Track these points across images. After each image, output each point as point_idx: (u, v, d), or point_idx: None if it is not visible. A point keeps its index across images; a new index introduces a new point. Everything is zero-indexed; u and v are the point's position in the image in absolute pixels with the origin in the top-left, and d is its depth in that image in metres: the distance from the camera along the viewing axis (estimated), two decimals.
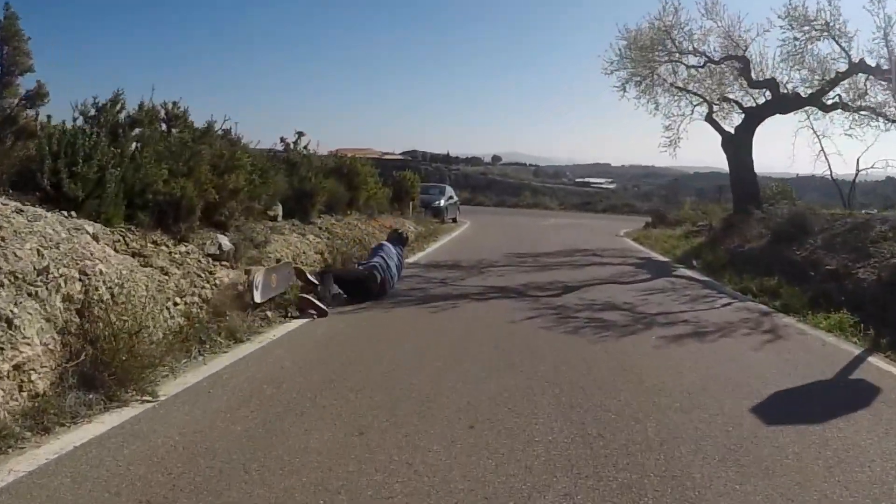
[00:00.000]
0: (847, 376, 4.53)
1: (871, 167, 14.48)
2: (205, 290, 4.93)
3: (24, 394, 3.11)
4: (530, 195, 39.61)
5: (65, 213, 4.41)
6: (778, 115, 14.00)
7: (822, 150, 13.88)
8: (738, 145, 14.01)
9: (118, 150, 4.87)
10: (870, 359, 4.93)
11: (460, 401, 3.52)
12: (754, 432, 3.23)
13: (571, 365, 4.36)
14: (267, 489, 2.47)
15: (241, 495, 2.41)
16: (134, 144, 5.35)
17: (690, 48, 14.12)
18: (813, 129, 13.81)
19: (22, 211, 3.93)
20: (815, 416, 3.55)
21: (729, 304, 7.27)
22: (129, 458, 2.70)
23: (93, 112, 5.39)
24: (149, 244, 4.85)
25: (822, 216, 10.26)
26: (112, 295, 3.88)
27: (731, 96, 14.56)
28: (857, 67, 12.32)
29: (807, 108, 13.58)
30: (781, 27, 12.71)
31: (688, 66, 14.55)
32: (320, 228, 8.87)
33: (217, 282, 5.12)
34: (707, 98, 14.57)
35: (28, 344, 3.21)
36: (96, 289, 3.83)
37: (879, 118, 12.94)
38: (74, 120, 5.22)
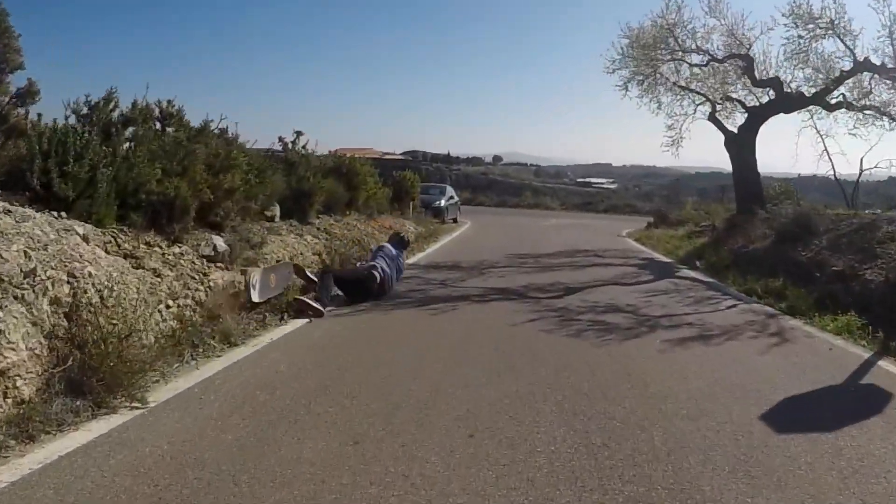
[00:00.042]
0: (857, 381, 4.41)
1: (875, 167, 14.36)
2: (198, 293, 4.83)
3: (9, 400, 3.01)
4: (531, 195, 39.50)
5: (55, 213, 4.30)
6: (780, 115, 13.89)
7: (826, 149, 13.77)
8: (741, 145, 13.89)
9: (110, 149, 4.76)
10: (880, 363, 4.81)
11: (460, 408, 3.40)
12: (765, 441, 3.12)
13: (574, 369, 4.25)
14: (256, 502, 2.36)
15: None
16: (127, 143, 5.24)
17: (693, 46, 14.01)
18: (816, 128, 13.71)
19: (10, 211, 3.83)
20: (826, 423, 3.44)
21: (734, 305, 7.15)
22: (114, 469, 2.60)
23: (85, 110, 5.28)
24: (141, 245, 4.74)
25: (827, 216, 10.14)
26: (101, 298, 3.77)
27: (734, 95, 14.44)
28: (862, 66, 12.19)
29: (810, 107, 13.46)
30: (785, 25, 12.61)
31: (691, 65, 14.45)
32: (318, 229, 8.77)
33: (211, 284, 5.01)
34: (710, 97, 14.45)
35: (13, 349, 3.11)
36: (85, 291, 3.73)
37: (884, 117, 12.80)
38: (66, 118, 5.12)
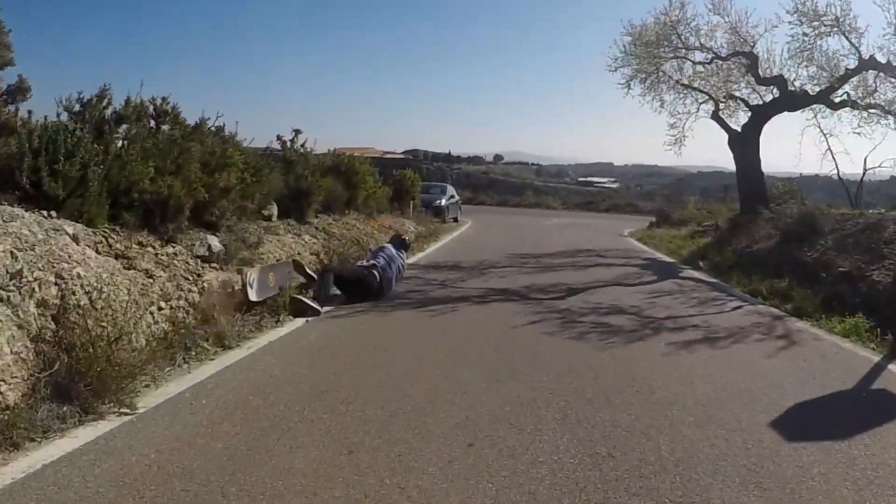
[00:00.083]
0: (868, 386, 4.29)
1: (879, 166, 14.23)
2: (192, 294, 4.71)
3: None
4: (532, 194, 39.39)
5: (44, 212, 4.21)
6: (784, 114, 13.76)
7: (829, 148, 13.64)
8: (744, 144, 13.77)
9: (102, 147, 4.65)
10: (890, 366, 4.69)
11: (459, 415, 3.29)
12: (776, 450, 3.00)
13: (577, 374, 4.13)
14: None
15: None
16: (120, 141, 5.14)
17: (697, 44, 13.88)
18: (820, 127, 13.57)
19: None
20: (838, 430, 3.32)
21: (739, 307, 7.03)
22: (99, 479, 2.50)
23: (77, 108, 5.18)
24: (134, 245, 4.63)
25: (832, 216, 10.01)
26: (90, 299, 3.67)
27: (737, 94, 14.31)
28: (867, 64, 12.05)
29: (814, 105, 13.32)
30: (790, 23, 12.47)
31: (694, 63, 14.32)
32: (317, 228, 8.66)
33: (205, 284, 4.89)
34: (713, 95, 14.33)
35: None
36: (73, 293, 3.62)
37: (889, 116, 12.67)
38: (58, 116, 5.01)
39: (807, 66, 12.80)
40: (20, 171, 4.27)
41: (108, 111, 5.39)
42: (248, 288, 5.35)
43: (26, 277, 3.42)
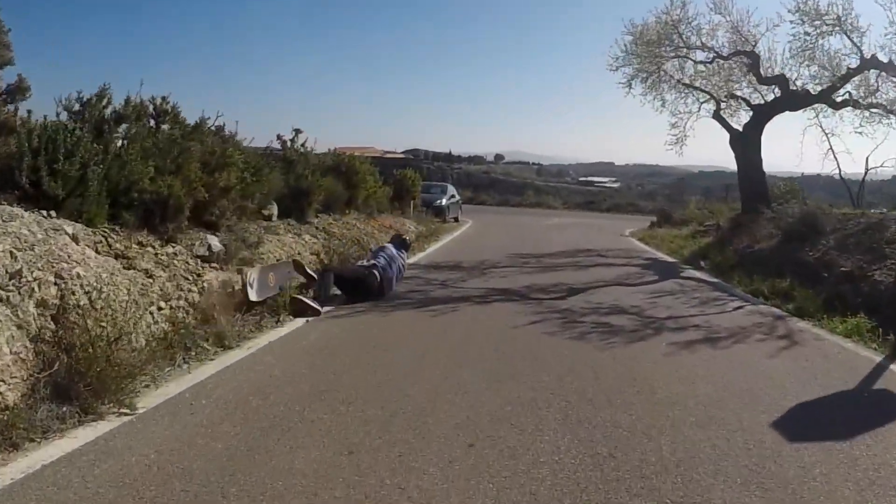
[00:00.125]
0: (870, 386, 4.28)
1: (881, 165, 14.21)
2: (192, 294, 4.70)
3: None
4: (533, 194, 39.38)
5: (44, 212, 4.20)
6: (785, 113, 13.73)
7: (831, 148, 13.61)
8: (746, 143, 13.74)
9: (102, 146, 4.64)
10: (892, 366, 4.68)
11: (459, 415, 3.28)
12: (777, 450, 2.99)
13: (578, 374, 4.12)
14: None
15: None
16: (120, 141, 5.12)
17: (698, 43, 13.86)
18: (821, 126, 13.55)
19: None
20: (840, 431, 3.30)
21: (740, 307, 7.01)
22: (98, 480, 2.49)
23: (77, 107, 5.17)
24: (133, 245, 4.62)
25: (834, 216, 9.98)
26: (90, 299, 3.66)
27: (738, 93, 14.29)
28: (869, 63, 12.01)
29: (816, 105, 13.29)
30: (792, 22, 12.44)
31: (695, 62, 14.30)
32: (317, 228, 8.65)
33: (205, 284, 4.88)
34: (714, 95, 14.31)
35: None
36: (73, 293, 3.61)
37: (890, 115, 12.64)
38: (57, 115, 5.00)
39: (808, 66, 12.80)
40: (20, 170, 4.26)
41: (108, 111, 5.38)
42: (249, 288, 5.34)
43: (26, 277, 3.41)
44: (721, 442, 3.05)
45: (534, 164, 68.08)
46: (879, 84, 12.40)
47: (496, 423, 3.17)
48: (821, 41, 12.34)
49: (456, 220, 21.11)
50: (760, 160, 13.83)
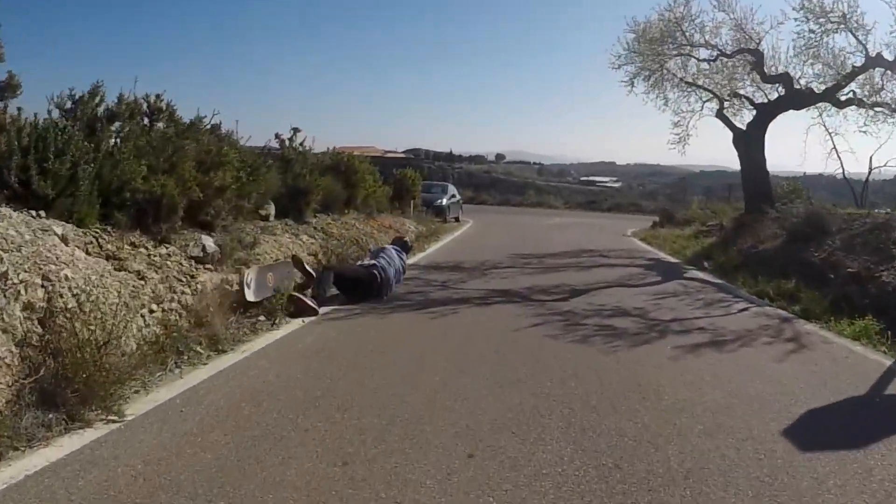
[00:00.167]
0: (881, 391, 4.16)
1: (885, 165, 14.07)
2: (185, 296, 4.59)
3: None
4: (534, 194, 39.28)
5: (33, 212, 4.09)
6: (789, 112, 13.59)
7: (835, 147, 13.48)
8: (749, 142, 13.61)
9: (93, 144, 4.53)
10: None
11: (458, 423, 3.16)
12: (789, 460, 2.88)
13: (581, 379, 4.00)
14: None
15: None
16: (112, 139, 5.01)
17: (702, 41, 13.72)
18: (825, 126, 13.42)
19: None
20: (853, 439, 3.19)
21: (746, 309, 6.89)
22: (82, 491, 2.39)
23: (69, 105, 5.06)
24: (126, 246, 4.51)
25: (839, 216, 9.86)
26: (78, 302, 3.55)
27: (742, 92, 14.15)
28: (874, 62, 11.88)
29: (820, 104, 13.16)
30: (796, 19, 12.30)
31: (698, 60, 14.17)
32: (315, 228, 8.53)
33: (199, 286, 4.77)
34: (718, 93, 14.17)
35: None
36: (61, 295, 3.50)
37: (895, 114, 12.50)
38: (49, 113, 4.88)
39: (813, 64, 12.65)
40: (8, 169, 4.16)
41: (101, 108, 5.27)
42: (246, 288, 5.23)
43: (12, 280, 3.31)
44: (731, 451, 2.94)
45: (535, 163, 67.98)
46: (884, 83, 12.27)
47: (497, 432, 3.06)
48: (825, 39, 12.22)
49: (457, 219, 21.00)
50: (764, 159, 13.70)
